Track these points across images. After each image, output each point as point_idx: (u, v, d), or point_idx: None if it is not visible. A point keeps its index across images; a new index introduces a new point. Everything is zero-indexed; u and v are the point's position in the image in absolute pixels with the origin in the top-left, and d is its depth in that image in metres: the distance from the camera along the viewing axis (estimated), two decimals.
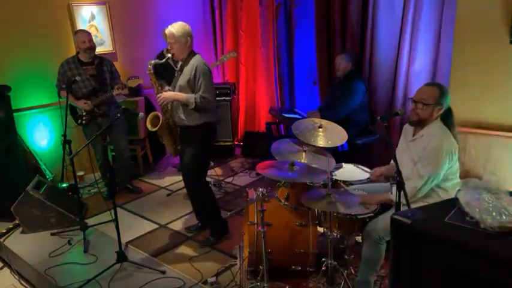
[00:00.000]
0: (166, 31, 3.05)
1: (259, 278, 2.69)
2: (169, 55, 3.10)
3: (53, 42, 4.50)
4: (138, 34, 5.22)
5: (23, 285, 3.14)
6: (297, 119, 3.74)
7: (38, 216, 3.61)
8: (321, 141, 2.89)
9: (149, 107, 4.96)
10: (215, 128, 3.27)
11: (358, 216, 2.57)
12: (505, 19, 3.05)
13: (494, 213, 1.57)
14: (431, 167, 2.35)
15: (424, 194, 2.42)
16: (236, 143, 5.69)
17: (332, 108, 4.03)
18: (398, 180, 2.17)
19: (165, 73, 3.86)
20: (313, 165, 2.78)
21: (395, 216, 1.73)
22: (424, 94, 2.42)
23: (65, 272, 3.06)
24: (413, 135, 2.54)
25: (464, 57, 3.30)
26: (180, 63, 3.15)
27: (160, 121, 3.12)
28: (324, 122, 3.02)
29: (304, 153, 2.96)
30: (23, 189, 3.59)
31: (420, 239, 1.65)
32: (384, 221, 2.38)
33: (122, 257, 2.99)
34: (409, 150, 2.53)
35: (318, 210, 2.78)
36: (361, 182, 2.92)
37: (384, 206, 2.58)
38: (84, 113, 4.00)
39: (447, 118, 2.44)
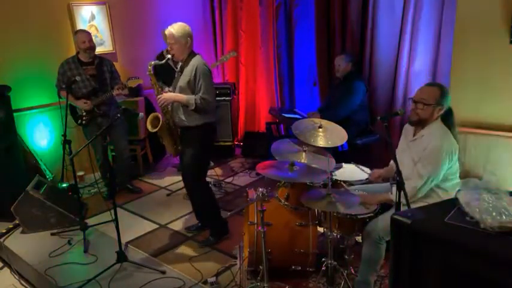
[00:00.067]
0: (166, 32, 3.04)
1: (259, 278, 2.69)
2: (169, 56, 3.10)
3: (53, 42, 4.50)
4: (138, 34, 5.21)
5: (23, 285, 3.14)
6: (297, 119, 3.73)
7: (38, 216, 3.61)
8: (321, 141, 2.88)
9: (149, 107, 4.96)
10: (215, 128, 3.27)
11: (358, 216, 2.57)
12: (505, 19, 3.05)
13: (494, 213, 1.57)
14: (431, 167, 2.35)
15: (424, 194, 2.42)
16: (236, 143, 5.69)
17: (332, 108, 4.03)
18: (398, 180, 2.17)
19: (165, 74, 3.84)
20: (313, 165, 2.78)
21: (395, 216, 1.73)
22: (424, 94, 2.42)
23: (65, 272, 3.06)
24: (414, 135, 2.54)
25: (464, 57, 3.30)
26: (180, 64, 3.14)
27: (160, 122, 3.12)
28: (324, 122, 3.02)
29: (304, 153, 2.96)
30: (23, 189, 3.59)
31: (420, 239, 1.65)
32: (383, 221, 2.38)
33: (122, 257, 3.00)
34: (409, 150, 2.53)
35: (318, 210, 2.78)
36: (361, 182, 2.93)
37: (384, 206, 2.58)
38: (84, 113, 4.00)
39: (447, 118, 2.44)
